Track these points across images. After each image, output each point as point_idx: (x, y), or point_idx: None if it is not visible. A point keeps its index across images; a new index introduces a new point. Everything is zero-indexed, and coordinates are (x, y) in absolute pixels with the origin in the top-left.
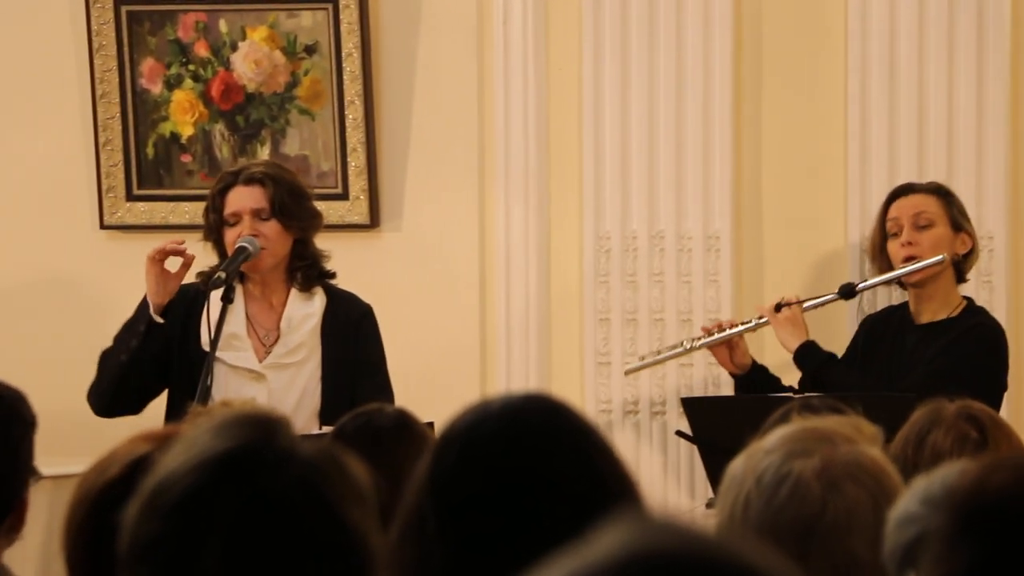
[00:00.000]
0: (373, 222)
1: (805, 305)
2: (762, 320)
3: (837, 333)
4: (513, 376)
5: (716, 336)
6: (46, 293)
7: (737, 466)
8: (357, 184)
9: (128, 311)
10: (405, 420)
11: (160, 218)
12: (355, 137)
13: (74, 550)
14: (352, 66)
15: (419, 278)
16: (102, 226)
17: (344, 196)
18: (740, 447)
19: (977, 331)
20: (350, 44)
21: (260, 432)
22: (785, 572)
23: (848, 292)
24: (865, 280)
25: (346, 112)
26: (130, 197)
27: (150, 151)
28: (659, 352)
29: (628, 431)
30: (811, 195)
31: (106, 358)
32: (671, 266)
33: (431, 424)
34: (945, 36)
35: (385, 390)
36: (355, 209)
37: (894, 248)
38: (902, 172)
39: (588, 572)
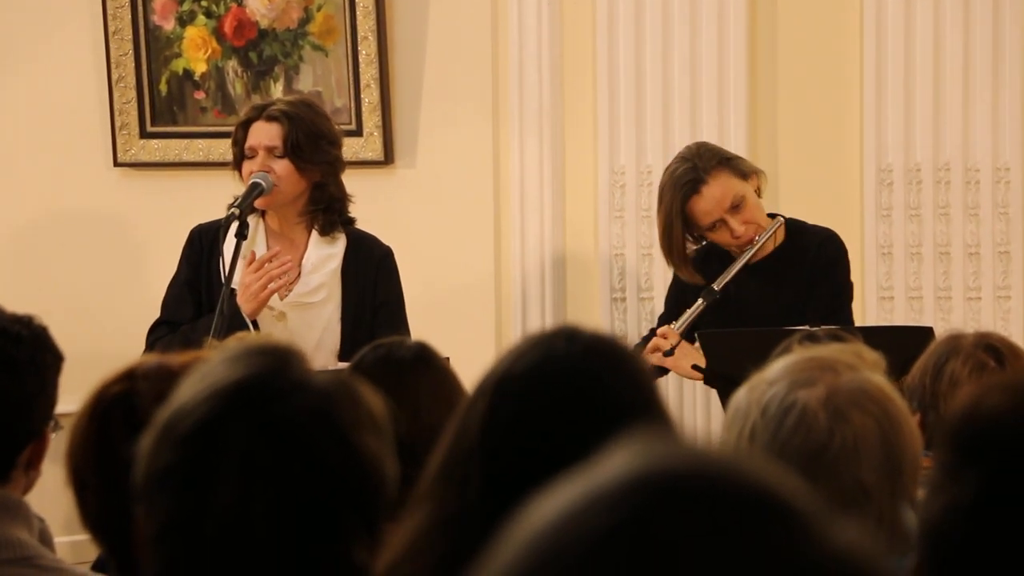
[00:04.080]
0: (387, 158)
1: (679, 328)
2: (665, 370)
3: None
4: (528, 311)
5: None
6: (61, 231)
7: (740, 398)
8: (371, 120)
9: (143, 248)
10: (424, 353)
11: (174, 155)
12: (368, 73)
13: (77, 456)
14: (365, 1)
15: (433, 214)
16: (116, 163)
17: (358, 132)
18: None
19: (833, 245)
20: None
21: (273, 362)
22: (794, 490)
23: (712, 294)
24: (721, 277)
25: (359, 48)
26: (144, 135)
27: (163, 88)
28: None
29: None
30: (827, 125)
31: (187, 340)
32: None
33: (447, 359)
34: None
35: (403, 332)
36: (369, 145)
37: (723, 238)
38: (918, 103)
39: (595, 494)
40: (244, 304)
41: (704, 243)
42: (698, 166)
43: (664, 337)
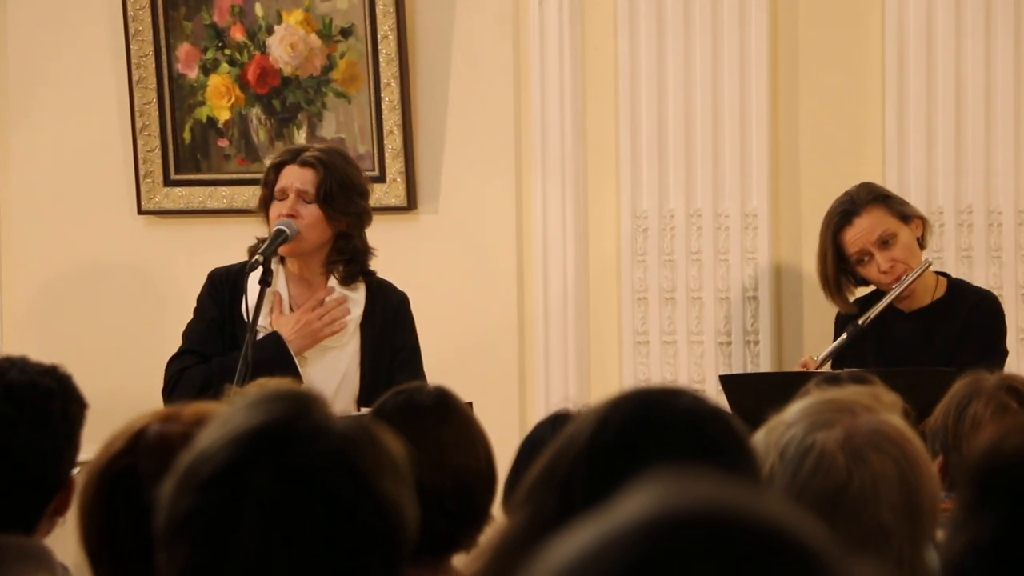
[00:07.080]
0: (410, 204)
1: (821, 360)
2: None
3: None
4: (551, 356)
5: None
6: (85, 278)
7: (758, 441)
8: (394, 167)
9: (167, 295)
10: (445, 398)
11: (198, 203)
12: (391, 119)
13: (89, 532)
14: (388, 48)
15: (456, 260)
16: (140, 211)
17: (381, 179)
18: None
19: (987, 305)
20: (385, 26)
21: (293, 407)
22: (810, 531)
23: (856, 329)
24: (867, 313)
25: (382, 94)
26: (167, 182)
27: (187, 136)
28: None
29: None
30: (849, 172)
31: (224, 369)
32: (708, 244)
33: (469, 404)
34: (983, 2)
35: (419, 377)
36: (392, 192)
37: (871, 273)
38: (940, 146)
39: (612, 534)
40: (298, 341)
41: (862, 282)
42: (855, 199)
43: (805, 367)
